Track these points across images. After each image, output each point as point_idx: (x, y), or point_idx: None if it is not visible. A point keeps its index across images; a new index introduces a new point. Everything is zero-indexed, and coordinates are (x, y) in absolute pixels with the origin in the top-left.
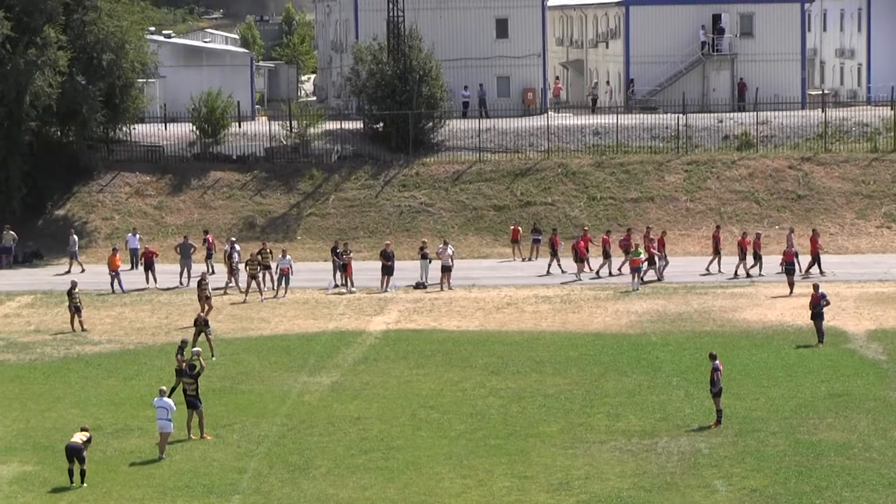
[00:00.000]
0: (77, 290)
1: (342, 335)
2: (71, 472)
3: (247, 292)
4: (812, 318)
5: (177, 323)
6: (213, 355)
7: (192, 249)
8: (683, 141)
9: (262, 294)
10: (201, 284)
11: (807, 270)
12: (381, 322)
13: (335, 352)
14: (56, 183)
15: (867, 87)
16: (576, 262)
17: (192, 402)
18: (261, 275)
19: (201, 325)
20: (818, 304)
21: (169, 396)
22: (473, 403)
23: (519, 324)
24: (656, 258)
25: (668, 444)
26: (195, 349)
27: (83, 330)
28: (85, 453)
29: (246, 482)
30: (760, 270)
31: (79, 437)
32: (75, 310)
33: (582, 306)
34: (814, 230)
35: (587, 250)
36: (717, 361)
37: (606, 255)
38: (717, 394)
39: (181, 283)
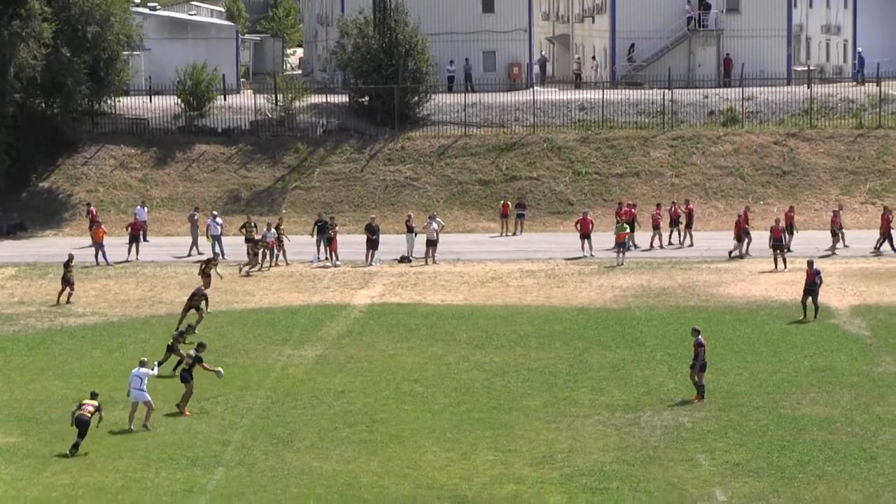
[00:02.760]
0: (73, 263)
1: (327, 309)
2: (77, 446)
3: (253, 266)
4: (806, 294)
5: (161, 295)
6: (195, 331)
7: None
8: (669, 116)
9: (262, 265)
10: (210, 262)
11: (878, 247)
12: (365, 296)
13: (319, 325)
14: (40, 155)
15: (853, 64)
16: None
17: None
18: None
19: (198, 299)
20: (813, 282)
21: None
22: (457, 377)
23: (503, 298)
24: (745, 235)
25: (651, 418)
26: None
27: (68, 303)
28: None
29: (230, 454)
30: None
31: (89, 406)
32: (67, 283)
33: (566, 281)
34: (885, 207)
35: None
36: (701, 337)
37: (655, 228)
38: (700, 369)
39: (191, 253)
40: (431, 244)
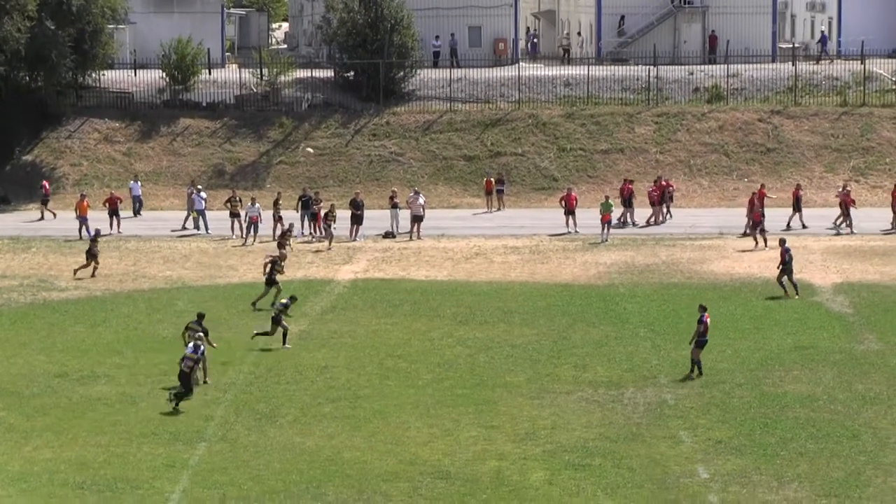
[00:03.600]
0: (100, 237)
1: (310, 284)
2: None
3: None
4: (782, 273)
5: (145, 270)
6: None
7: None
8: (654, 93)
9: (246, 238)
10: (285, 234)
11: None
12: (349, 271)
13: (303, 300)
14: (24, 128)
15: (837, 41)
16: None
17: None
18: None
19: (275, 268)
20: (784, 260)
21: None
22: (441, 353)
23: (488, 274)
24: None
25: (634, 394)
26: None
27: (92, 276)
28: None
29: (212, 430)
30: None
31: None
32: (92, 257)
33: (550, 257)
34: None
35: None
36: (706, 314)
37: (653, 204)
38: (697, 345)
39: (185, 227)
40: (417, 219)
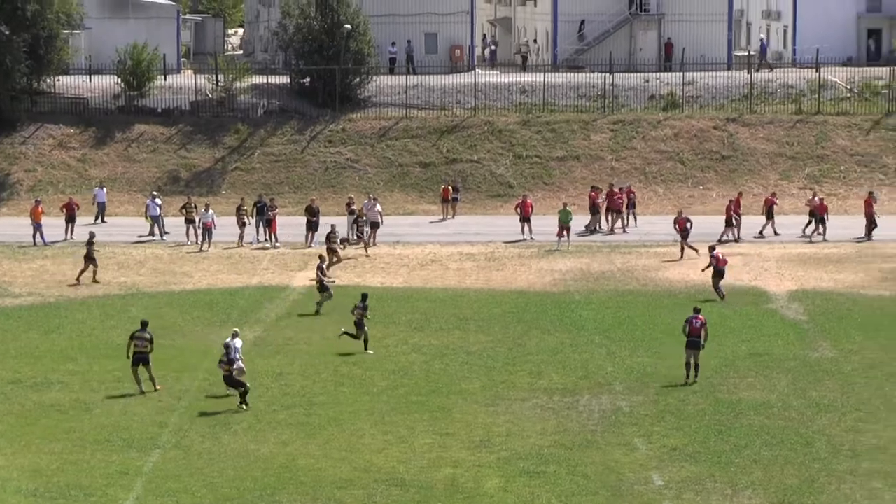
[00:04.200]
0: (96, 240)
1: (265, 290)
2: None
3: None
4: (714, 277)
5: (99, 276)
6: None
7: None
8: (610, 100)
9: (202, 244)
10: (330, 237)
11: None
12: (304, 278)
13: (258, 307)
14: None
15: (792, 49)
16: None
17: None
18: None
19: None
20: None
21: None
22: (396, 360)
23: (443, 281)
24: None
25: (589, 402)
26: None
27: (94, 281)
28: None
29: (166, 436)
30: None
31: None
32: (90, 261)
33: (506, 264)
34: (870, 193)
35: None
36: (699, 316)
37: (618, 212)
38: (688, 346)
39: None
40: (374, 227)
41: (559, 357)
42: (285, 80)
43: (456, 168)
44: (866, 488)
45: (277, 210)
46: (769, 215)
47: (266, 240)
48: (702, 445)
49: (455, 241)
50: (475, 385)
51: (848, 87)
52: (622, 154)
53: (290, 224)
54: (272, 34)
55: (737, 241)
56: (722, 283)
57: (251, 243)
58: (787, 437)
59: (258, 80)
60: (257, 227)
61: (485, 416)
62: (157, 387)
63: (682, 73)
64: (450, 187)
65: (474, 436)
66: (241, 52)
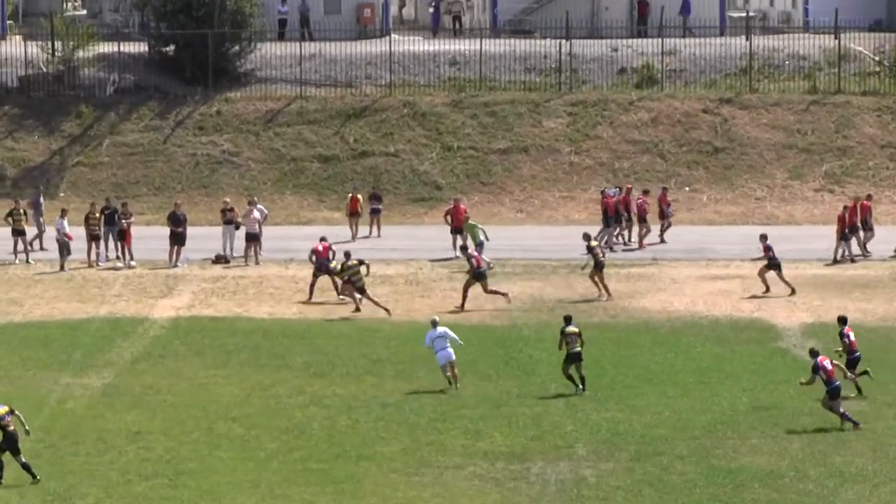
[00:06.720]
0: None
1: (117, 323)
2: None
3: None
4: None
5: None
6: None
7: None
8: (567, 75)
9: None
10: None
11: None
12: (169, 307)
13: (108, 345)
14: None
15: (804, 10)
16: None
17: None
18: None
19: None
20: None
21: None
22: (290, 415)
23: (350, 310)
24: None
25: (543, 470)
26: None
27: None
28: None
29: None
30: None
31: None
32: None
33: (433, 289)
34: (869, 195)
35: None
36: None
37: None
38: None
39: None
40: (253, 239)
41: (503, 411)
42: (143, 48)
43: (367, 164)
44: None
45: (133, 219)
46: (863, 227)
47: (118, 257)
48: None
49: (366, 258)
50: (394, 448)
51: (876, 58)
52: (583, 145)
53: (149, 236)
54: None
55: (853, 260)
56: (718, 312)
57: (97, 262)
58: None
59: (107, 48)
60: (106, 241)
61: (406, 488)
62: None
63: (660, 40)
64: (358, 196)
65: None
66: (85, 12)
